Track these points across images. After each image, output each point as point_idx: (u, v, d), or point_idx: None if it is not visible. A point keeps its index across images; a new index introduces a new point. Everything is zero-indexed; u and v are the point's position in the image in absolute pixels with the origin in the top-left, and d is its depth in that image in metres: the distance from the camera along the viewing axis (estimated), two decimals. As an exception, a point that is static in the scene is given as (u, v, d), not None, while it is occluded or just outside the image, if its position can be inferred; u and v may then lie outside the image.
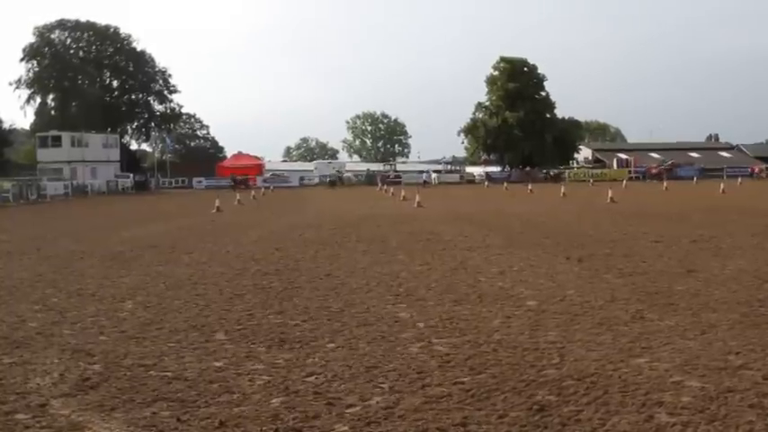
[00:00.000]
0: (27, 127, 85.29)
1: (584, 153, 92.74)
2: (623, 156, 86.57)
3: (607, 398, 5.05)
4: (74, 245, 17.25)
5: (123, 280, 11.26)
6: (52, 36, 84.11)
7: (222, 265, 12.87)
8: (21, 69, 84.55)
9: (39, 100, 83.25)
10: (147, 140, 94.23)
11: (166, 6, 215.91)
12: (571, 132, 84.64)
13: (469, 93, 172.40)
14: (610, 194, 32.48)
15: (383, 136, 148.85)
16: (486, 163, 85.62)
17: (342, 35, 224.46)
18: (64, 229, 23.27)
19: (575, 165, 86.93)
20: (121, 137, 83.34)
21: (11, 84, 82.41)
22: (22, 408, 5.15)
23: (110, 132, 78.39)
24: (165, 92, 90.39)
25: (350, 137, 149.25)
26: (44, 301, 9.45)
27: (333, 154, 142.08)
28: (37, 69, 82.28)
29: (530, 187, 49.43)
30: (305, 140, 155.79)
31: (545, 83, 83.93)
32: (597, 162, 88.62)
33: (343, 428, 4.64)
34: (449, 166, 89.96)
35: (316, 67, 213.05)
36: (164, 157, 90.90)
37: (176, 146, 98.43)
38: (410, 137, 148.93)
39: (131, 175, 74.26)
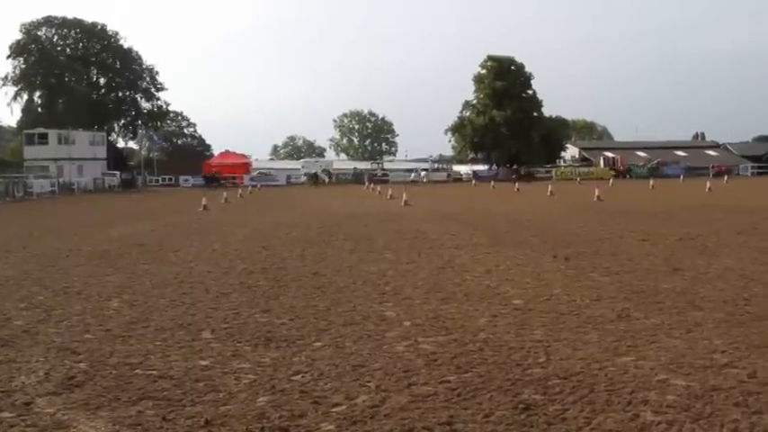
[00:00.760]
0: (14, 124, 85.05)
1: (571, 151, 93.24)
2: (610, 154, 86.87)
3: (593, 396, 5.07)
4: (60, 243, 17.15)
5: (109, 278, 11.21)
6: (39, 33, 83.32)
7: (209, 263, 12.83)
8: (7, 66, 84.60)
9: (25, 97, 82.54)
10: (134, 138, 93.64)
11: (153, 4, 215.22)
12: (558, 131, 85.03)
13: (457, 91, 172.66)
14: (597, 193, 32.60)
15: (370, 134, 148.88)
16: (473, 161, 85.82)
17: (329, 33, 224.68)
18: (50, 227, 23.14)
19: (561, 163, 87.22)
20: (108, 134, 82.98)
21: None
22: (6, 406, 5.12)
23: (97, 130, 78.14)
24: (152, 89, 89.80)
25: (337, 135, 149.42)
26: (30, 299, 9.39)
27: (320, 152, 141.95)
28: (24, 66, 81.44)
29: (516, 186, 49.54)
30: (292, 139, 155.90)
31: (532, 81, 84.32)
32: (584, 160, 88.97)
33: (329, 427, 4.63)
34: (436, 165, 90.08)
35: (303, 65, 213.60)
36: (151, 155, 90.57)
37: (163, 144, 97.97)
38: (397, 135, 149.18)
39: (118, 172, 73.93)
